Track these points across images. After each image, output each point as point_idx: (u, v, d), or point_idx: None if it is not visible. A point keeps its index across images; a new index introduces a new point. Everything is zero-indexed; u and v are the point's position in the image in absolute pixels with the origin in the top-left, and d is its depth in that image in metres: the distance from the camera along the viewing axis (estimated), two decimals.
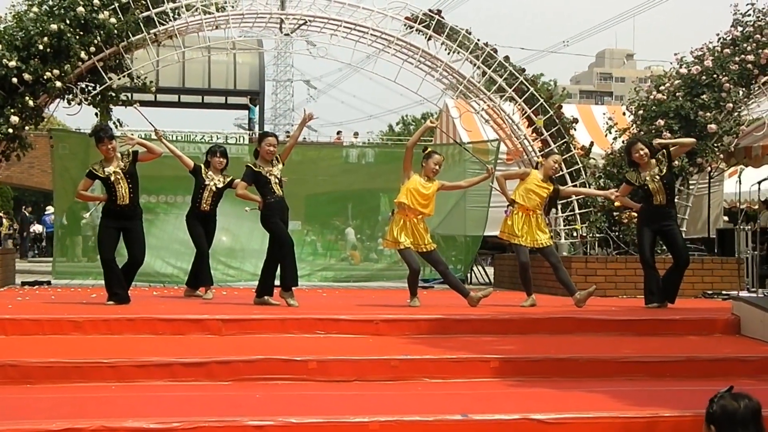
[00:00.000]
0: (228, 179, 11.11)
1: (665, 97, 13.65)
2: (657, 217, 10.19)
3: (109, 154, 9.83)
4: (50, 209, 34.76)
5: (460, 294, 10.10)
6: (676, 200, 11.61)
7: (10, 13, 12.74)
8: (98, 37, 12.57)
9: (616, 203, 11.92)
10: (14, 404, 5.62)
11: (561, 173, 13.04)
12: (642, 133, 13.64)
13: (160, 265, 14.20)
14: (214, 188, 11.05)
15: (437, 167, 10.13)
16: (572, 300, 10.14)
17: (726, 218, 17.27)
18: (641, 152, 10.15)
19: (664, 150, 10.15)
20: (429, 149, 10.52)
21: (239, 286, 13.43)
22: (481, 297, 9.98)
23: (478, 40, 14.07)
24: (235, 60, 33.51)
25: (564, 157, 13.57)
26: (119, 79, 13.27)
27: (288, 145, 10.42)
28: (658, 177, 10.09)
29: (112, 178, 9.78)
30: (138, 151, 10.01)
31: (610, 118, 14.71)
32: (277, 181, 9.91)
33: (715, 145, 13.47)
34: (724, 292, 12.28)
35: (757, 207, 16.39)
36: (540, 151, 13.68)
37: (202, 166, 11.25)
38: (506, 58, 14.18)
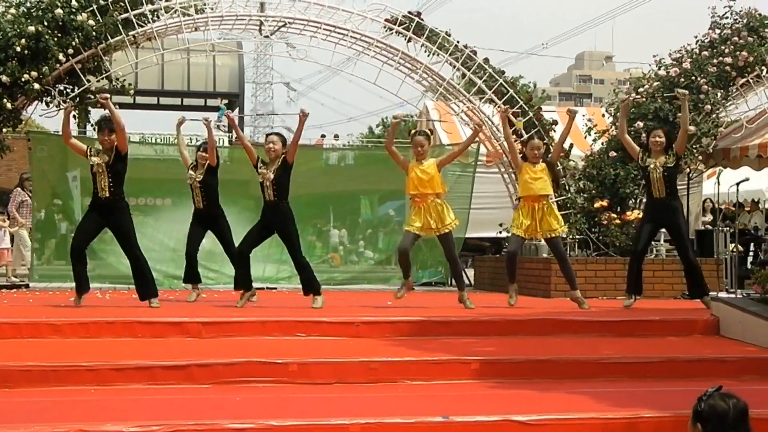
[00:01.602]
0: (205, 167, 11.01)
1: (644, 99, 13.71)
2: (657, 211, 10.20)
3: (104, 144, 9.80)
4: None
5: (459, 288, 10.27)
6: None
7: None
8: (76, 39, 12.52)
9: None
10: None
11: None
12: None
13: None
14: (197, 184, 10.96)
15: (419, 148, 10.13)
16: (569, 296, 10.35)
17: (707, 218, 17.34)
18: (658, 139, 10.16)
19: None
20: (412, 132, 10.54)
21: (219, 289, 13.37)
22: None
23: (458, 42, 14.11)
24: (215, 62, 33.45)
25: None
26: (98, 81, 13.20)
27: (292, 145, 10.30)
28: (661, 168, 10.02)
29: (94, 169, 9.76)
30: (119, 148, 9.83)
31: (589, 120, 14.76)
32: (269, 184, 9.85)
33: (694, 146, 13.53)
34: None
35: (734, 208, 16.48)
36: (520, 153, 13.70)
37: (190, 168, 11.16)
38: (486, 60, 14.22)
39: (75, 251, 9.83)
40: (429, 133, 10.63)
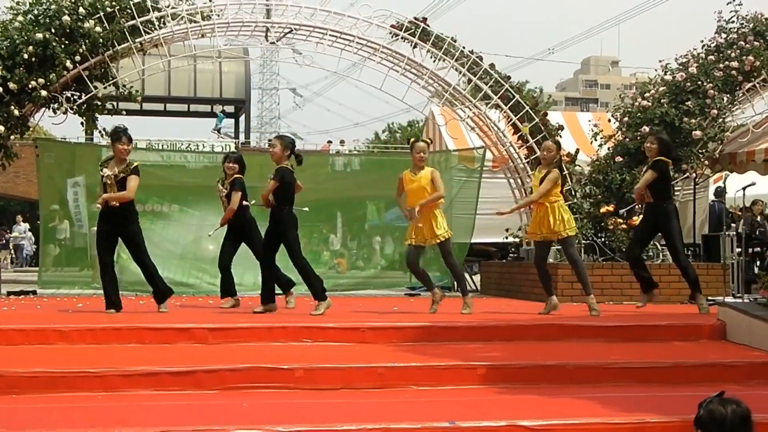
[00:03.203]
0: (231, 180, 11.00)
1: (650, 104, 13.72)
2: (649, 213, 10.57)
3: (122, 155, 9.87)
4: (19, 219, 34.69)
5: (462, 292, 10.29)
6: None
7: None
8: (83, 46, 12.57)
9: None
10: (0, 415, 5.59)
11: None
12: (627, 139, 13.71)
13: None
14: (224, 198, 10.96)
15: (421, 154, 10.15)
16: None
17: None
18: (648, 145, 10.54)
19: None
20: (411, 140, 10.57)
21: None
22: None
23: (464, 47, 14.11)
24: (221, 68, 33.56)
25: None
26: (105, 88, 13.24)
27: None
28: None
29: (103, 180, 9.83)
30: (135, 172, 9.89)
31: (595, 125, 14.76)
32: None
33: (700, 151, 13.53)
34: (709, 297, 12.29)
35: (740, 212, 16.45)
36: (526, 158, 13.73)
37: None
38: (492, 65, 14.23)
39: (103, 268, 9.94)
40: (429, 141, 10.68)
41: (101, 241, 9.99)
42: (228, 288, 11.12)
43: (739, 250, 13.01)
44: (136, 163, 9.97)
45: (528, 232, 10.56)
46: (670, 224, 10.44)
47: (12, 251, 33.13)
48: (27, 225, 34.02)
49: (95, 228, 10.36)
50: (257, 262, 10.59)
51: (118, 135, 9.96)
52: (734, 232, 13.55)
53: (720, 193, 14.59)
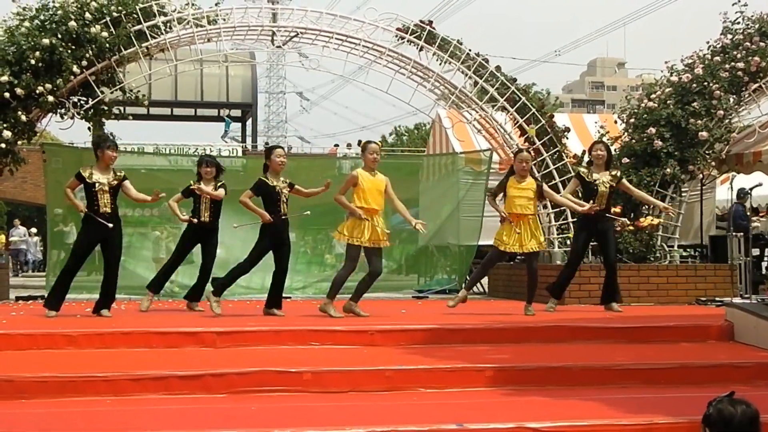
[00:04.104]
0: (219, 185, 11.03)
1: (656, 105, 13.70)
2: (596, 219, 10.77)
3: (111, 161, 10.02)
4: (17, 222, 34.28)
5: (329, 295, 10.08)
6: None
7: (1, 28, 12.74)
8: (90, 51, 12.59)
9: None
10: (9, 420, 5.60)
11: (553, 181, 13.14)
12: (634, 141, 13.70)
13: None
14: (207, 199, 10.97)
15: (373, 155, 10.16)
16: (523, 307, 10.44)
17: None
18: (599, 152, 10.98)
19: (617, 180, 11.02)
20: (363, 142, 10.63)
21: (233, 299, 13.39)
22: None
23: (470, 50, 14.11)
24: (228, 73, 33.60)
25: (556, 165, 13.67)
26: (111, 92, 13.27)
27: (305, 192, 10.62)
28: (608, 185, 10.85)
29: (96, 187, 9.88)
30: (126, 179, 10.15)
31: (602, 127, 14.76)
32: (285, 199, 10.00)
33: (707, 152, 13.52)
34: (717, 298, 12.31)
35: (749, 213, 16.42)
36: (533, 160, 13.72)
37: (192, 182, 11.15)
38: (498, 67, 14.22)
39: (67, 271, 10.15)
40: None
41: (78, 249, 10.18)
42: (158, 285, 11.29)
43: (757, 251, 13.00)
44: (122, 171, 10.24)
45: (509, 245, 10.47)
46: (613, 230, 11.28)
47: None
48: (25, 229, 33.55)
49: None
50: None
51: (108, 142, 10.10)
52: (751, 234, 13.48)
53: (742, 194, 14.50)
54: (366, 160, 10.16)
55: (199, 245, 11.20)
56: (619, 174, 11.20)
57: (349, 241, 9.93)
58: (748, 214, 15.34)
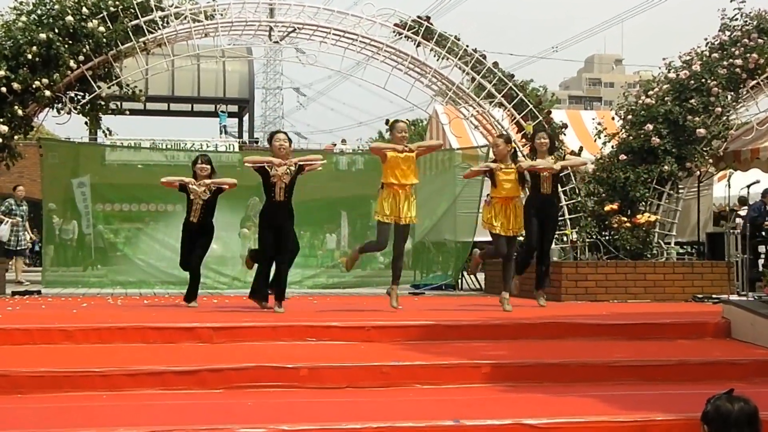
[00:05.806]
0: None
1: (654, 102, 13.69)
2: (542, 205, 10.81)
3: (202, 172, 10.73)
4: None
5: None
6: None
7: None
8: (87, 46, 12.58)
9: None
10: (4, 414, 5.59)
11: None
12: (631, 137, 13.69)
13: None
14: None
15: (402, 134, 10.20)
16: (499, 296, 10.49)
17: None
18: (542, 140, 10.99)
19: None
20: (391, 121, 10.58)
21: (230, 294, 13.40)
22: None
23: (467, 46, 14.10)
24: (225, 68, 33.57)
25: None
26: (108, 87, 13.26)
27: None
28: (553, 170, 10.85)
29: (192, 196, 10.60)
30: (222, 188, 10.78)
31: (599, 123, 14.75)
32: (283, 185, 9.86)
33: (704, 149, 13.52)
34: (714, 295, 12.30)
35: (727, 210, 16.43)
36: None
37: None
38: (495, 64, 14.22)
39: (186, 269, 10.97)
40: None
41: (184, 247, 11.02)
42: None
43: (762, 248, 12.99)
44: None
45: (499, 227, 10.54)
46: (556, 217, 11.51)
47: None
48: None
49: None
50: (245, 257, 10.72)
51: (195, 159, 11.14)
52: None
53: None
54: (395, 139, 10.27)
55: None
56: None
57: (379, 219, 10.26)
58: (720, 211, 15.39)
